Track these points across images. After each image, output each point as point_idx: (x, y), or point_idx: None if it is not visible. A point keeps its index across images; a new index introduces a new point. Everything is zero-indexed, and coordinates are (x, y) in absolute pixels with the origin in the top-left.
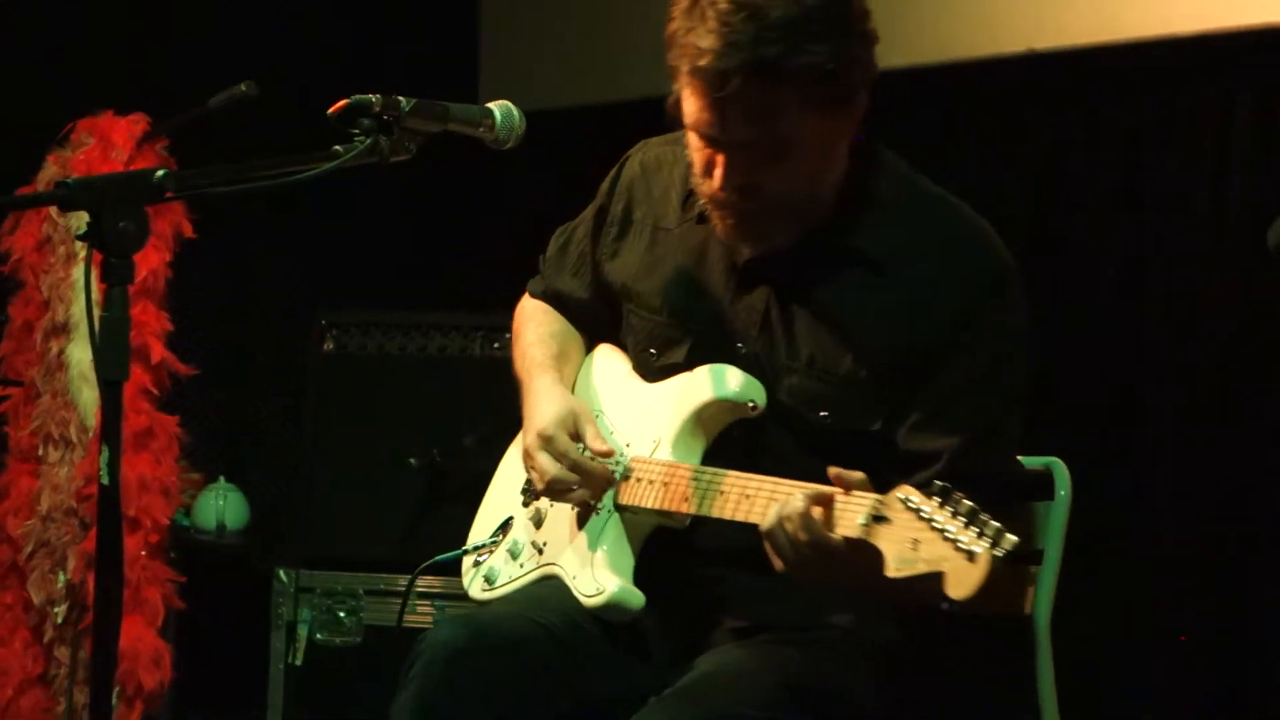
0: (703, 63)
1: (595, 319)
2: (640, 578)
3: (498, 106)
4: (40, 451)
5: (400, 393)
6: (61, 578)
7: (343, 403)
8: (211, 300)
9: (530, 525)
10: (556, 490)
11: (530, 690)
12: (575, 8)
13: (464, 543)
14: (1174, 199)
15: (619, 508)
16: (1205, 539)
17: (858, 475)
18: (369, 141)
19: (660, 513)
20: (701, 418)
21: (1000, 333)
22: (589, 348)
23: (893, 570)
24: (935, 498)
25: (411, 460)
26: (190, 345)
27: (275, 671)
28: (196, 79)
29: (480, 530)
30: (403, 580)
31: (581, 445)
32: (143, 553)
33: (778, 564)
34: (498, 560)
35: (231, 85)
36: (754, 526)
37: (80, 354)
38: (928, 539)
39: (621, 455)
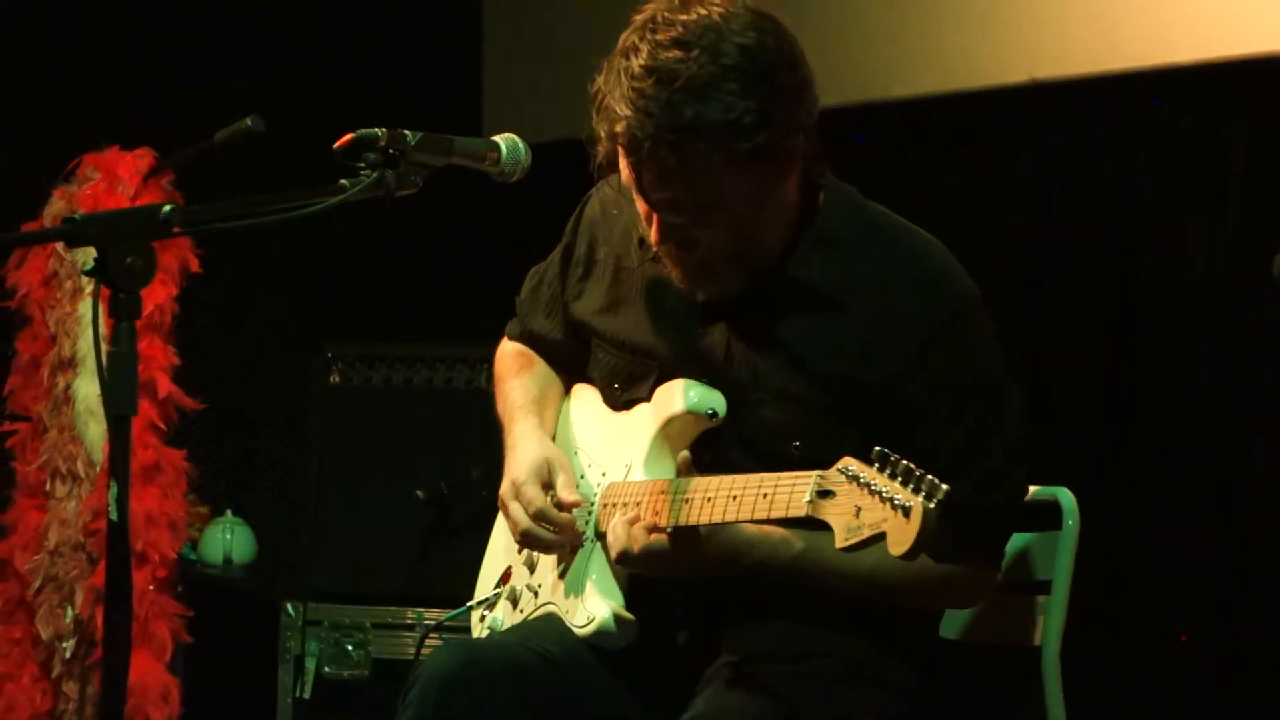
0: (618, 128)
1: (571, 358)
2: (633, 608)
3: (503, 140)
4: (48, 486)
5: (406, 425)
6: (70, 613)
7: (348, 435)
8: (217, 335)
9: (525, 571)
10: (529, 541)
11: (526, 716)
12: (579, 42)
13: (471, 575)
14: (1172, 226)
15: (600, 536)
16: (1212, 563)
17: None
18: (375, 175)
19: None
20: (668, 434)
21: (962, 363)
22: (568, 386)
23: (841, 540)
24: (874, 464)
25: (418, 492)
26: (196, 379)
27: (283, 705)
28: (202, 114)
29: (484, 583)
30: (410, 614)
31: (552, 494)
32: (150, 587)
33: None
34: (501, 611)
35: (237, 120)
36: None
37: (87, 389)
38: (868, 504)
39: (599, 486)
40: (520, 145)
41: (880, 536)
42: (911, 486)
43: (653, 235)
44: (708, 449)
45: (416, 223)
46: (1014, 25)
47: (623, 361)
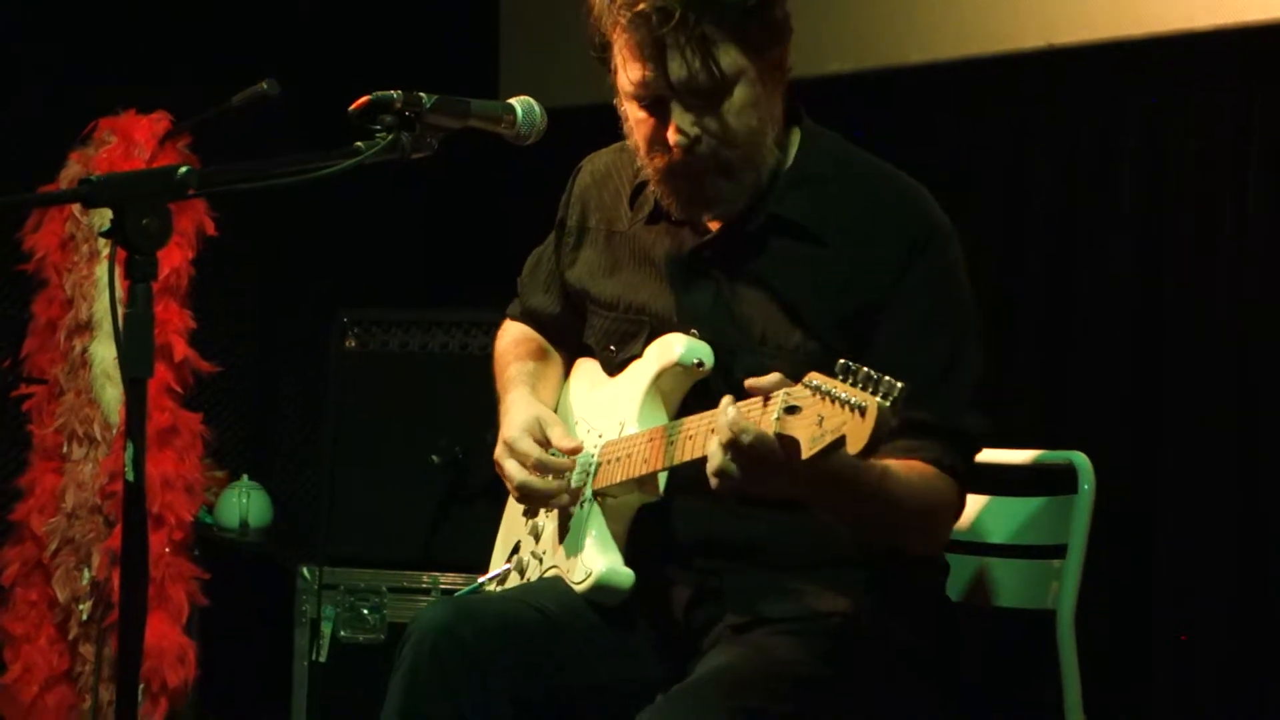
0: (641, 6)
1: (570, 332)
2: (632, 567)
3: (519, 102)
4: (64, 449)
5: (422, 390)
6: (86, 574)
7: (365, 400)
8: (234, 298)
9: (531, 540)
10: (527, 495)
11: (523, 671)
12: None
13: (487, 539)
14: (1193, 193)
15: (597, 495)
16: (1230, 532)
17: (773, 378)
18: (390, 138)
19: (631, 483)
20: (660, 387)
21: (935, 284)
22: (568, 362)
23: (806, 450)
24: (838, 375)
25: (434, 457)
26: (213, 343)
27: (299, 669)
28: (218, 78)
29: (498, 560)
30: (426, 578)
31: (552, 451)
32: (167, 550)
33: (749, 487)
34: (512, 583)
35: (253, 84)
36: (747, 515)
37: (104, 352)
38: (830, 412)
39: (594, 448)
40: (536, 108)
41: (840, 441)
42: (870, 389)
43: (671, 134)
44: (700, 400)
45: (433, 186)
46: None
47: (615, 322)
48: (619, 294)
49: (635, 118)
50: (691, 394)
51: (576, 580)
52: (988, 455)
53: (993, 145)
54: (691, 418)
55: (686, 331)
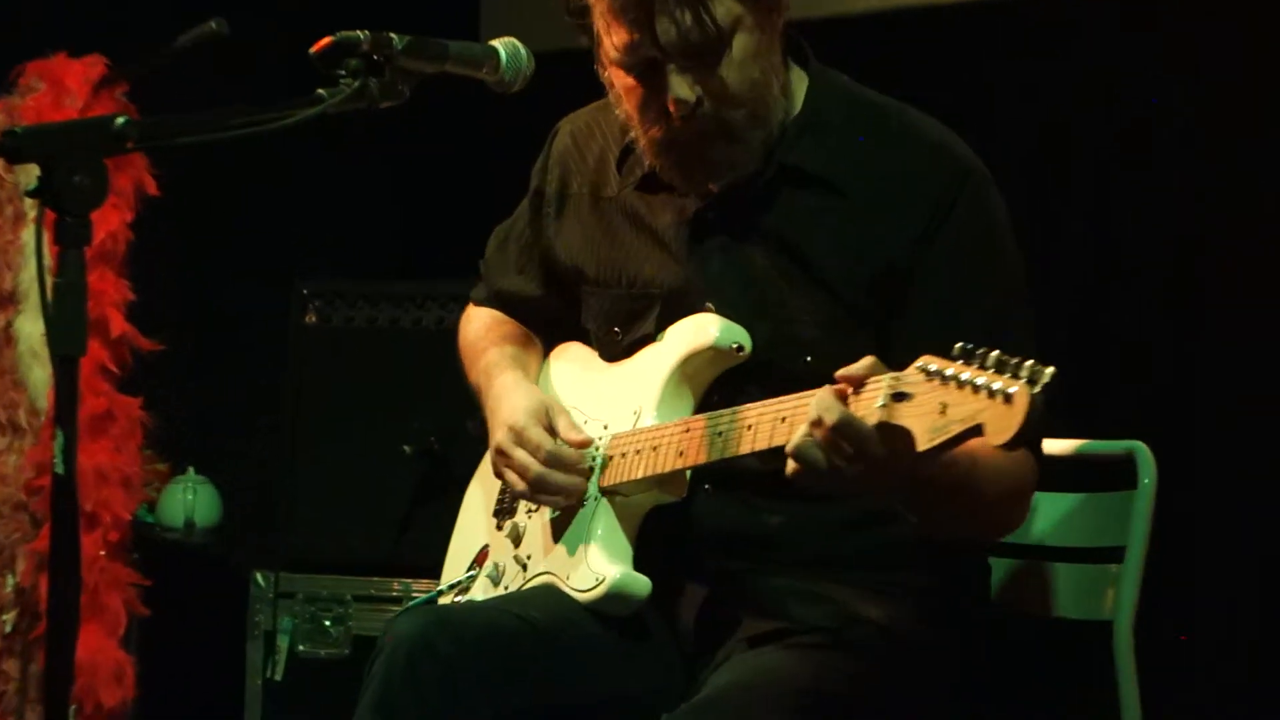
0: None
1: (549, 316)
2: (644, 571)
3: (502, 45)
4: None
5: (392, 371)
6: (10, 581)
7: (327, 383)
8: (179, 266)
9: (509, 544)
10: (540, 489)
11: (507, 686)
12: None
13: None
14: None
15: (605, 492)
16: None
17: (865, 363)
18: (357, 84)
19: (652, 481)
20: (686, 373)
21: (976, 236)
22: (546, 349)
23: (924, 443)
24: (959, 359)
25: (406, 448)
26: (155, 318)
27: (252, 687)
28: (160, 16)
29: (454, 567)
30: (397, 585)
31: (557, 440)
32: (101, 553)
33: (812, 479)
34: (480, 591)
35: (200, 23)
36: (767, 508)
37: (30, 327)
38: (956, 399)
39: (600, 439)
40: (522, 51)
41: (974, 430)
42: (1009, 373)
43: (669, 102)
44: (725, 388)
45: (406, 140)
46: None
47: (619, 300)
48: (619, 268)
49: (624, 85)
50: (716, 382)
51: (582, 588)
52: None
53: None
54: (752, 405)
55: (703, 305)
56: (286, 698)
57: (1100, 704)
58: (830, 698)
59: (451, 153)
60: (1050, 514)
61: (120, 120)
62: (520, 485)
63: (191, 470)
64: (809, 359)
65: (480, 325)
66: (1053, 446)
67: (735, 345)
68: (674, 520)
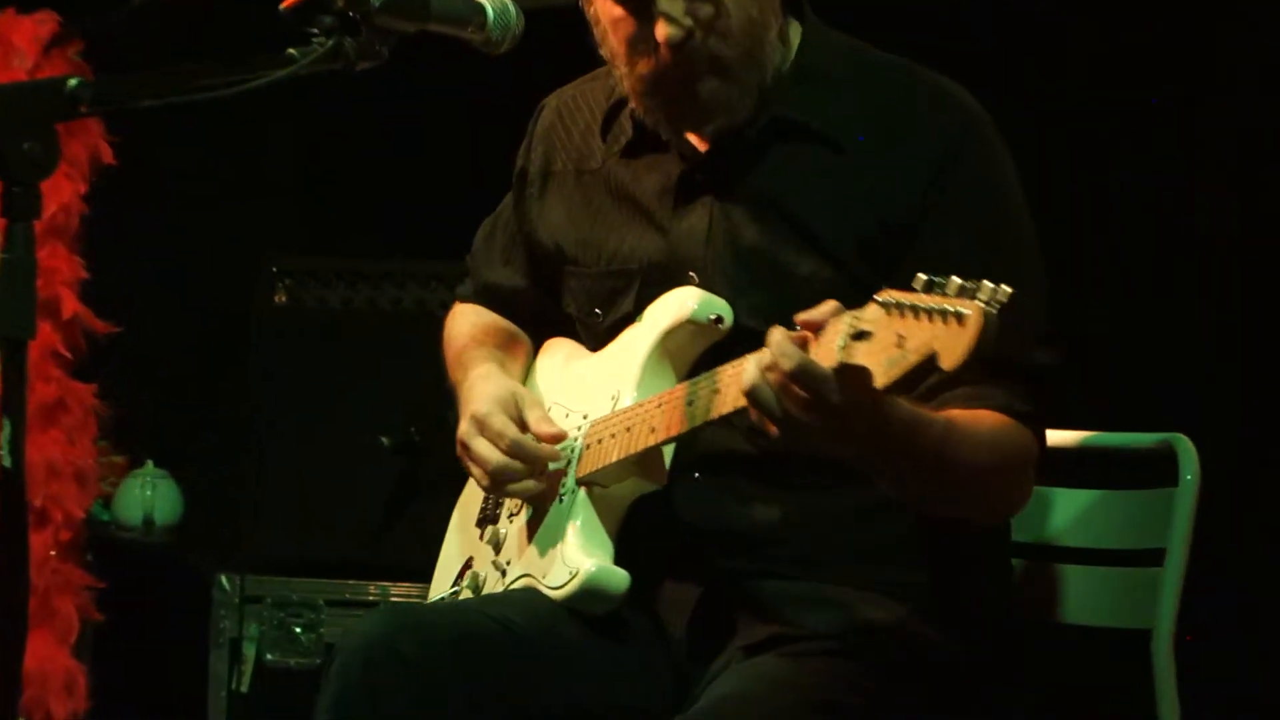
0: None
1: (538, 309)
2: (630, 572)
3: (490, 1)
4: None
5: (369, 356)
6: None
7: (298, 369)
8: (137, 242)
9: (490, 552)
10: (502, 481)
11: (479, 693)
12: None
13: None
14: None
15: (582, 483)
16: None
17: (826, 306)
18: (331, 44)
19: (628, 464)
20: (667, 350)
21: (981, 191)
22: (536, 347)
23: (881, 379)
24: (919, 290)
25: (384, 439)
26: (110, 298)
27: (216, 700)
28: None
29: (439, 585)
30: (374, 588)
31: (528, 434)
32: (52, 553)
33: (770, 430)
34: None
35: None
36: (762, 497)
37: None
38: (913, 329)
39: (578, 431)
40: (511, 8)
41: (929, 361)
42: (967, 296)
43: (659, 29)
44: (704, 361)
45: (385, 104)
46: None
47: (598, 279)
48: (599, 245)
49: (611, 17)
50: (700, 361)
51: (556, 584)
52: (1061, 438)
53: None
54: (724, 367)
55: (685, 277)
56: (253, 711)
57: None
58: (837, 708)
59: (434, 121)
60: (1081, 513)
61: (73, 82)
62: (483, 480)
63: (150, 464)
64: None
65: (464, 323)
66: (1085, 439)
67: (713, 317)
68: (661, 515)
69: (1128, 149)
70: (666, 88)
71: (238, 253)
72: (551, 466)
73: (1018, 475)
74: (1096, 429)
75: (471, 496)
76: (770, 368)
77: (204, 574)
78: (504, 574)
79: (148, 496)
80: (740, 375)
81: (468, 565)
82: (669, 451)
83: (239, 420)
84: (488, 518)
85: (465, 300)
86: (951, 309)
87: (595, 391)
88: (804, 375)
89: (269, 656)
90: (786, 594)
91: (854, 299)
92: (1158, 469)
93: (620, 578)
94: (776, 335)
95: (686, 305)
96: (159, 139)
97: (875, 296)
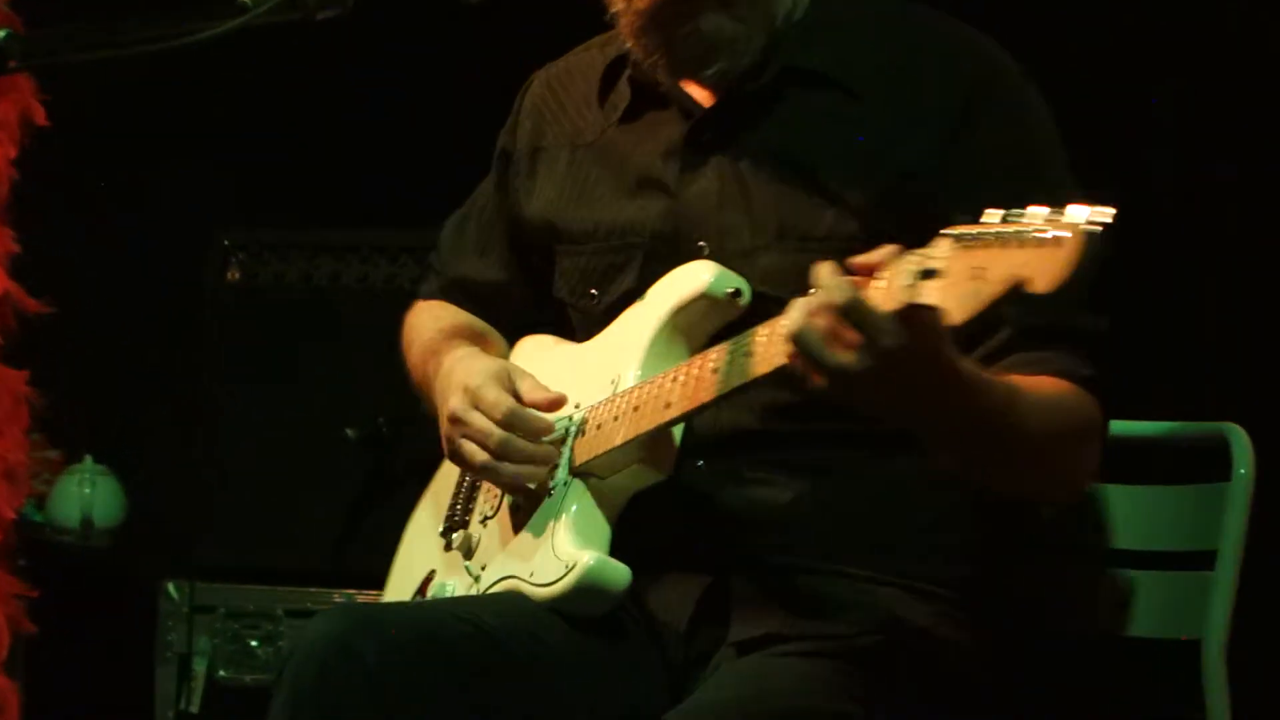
0: None
1: (515, 304)
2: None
3: None
4: None
5: (332, 339)
6: None
7: (253, 353)
8: (73, 212)
9: (459, 560)
10: (500, 457)
11: (447, 701)
12: None
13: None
14: None
15: (577, 473)
16: None
17: (885, 250)
18: None
19: (633, 448)
20: (676, 328)
21: (1015, 137)
22: (511, 343)
23: (959, 315)
24: (995, 222)
25: (348, 431)
26: (45, 275)
27: (163, 719)
28: None
29: (398, 591)
30: (338, 596)
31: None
32: None
33: (816, 381)
34: None
35: None
36: (774, 481)
37: None
38: (995, 257)
39: (570, 420)
40: None
41: (1017, 288)
42: (1057, 218)
43: None
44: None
45: (349, 60)
46: None
47: (595, 255)
48: (596, 220)
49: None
50: (713, 342)
51: (547, 580)
52: None
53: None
54: (753, 330)
55: (694, 246)
56: None
57: None
58: (800, 710)
59: (403, 79)
60: (1124, 511)
61: (1, 35)
62: (479, 457)
63: (89, 459)
64: (813, 290)
65: (429, 318)
66: (1125, 428)
67: (731, 291)
68: (660, 506)
69: (1170, 125)
70: (667, 23)
71: (186, 224)
72: (546, 440)
73: (1086, 445)
74: (1138, 418)
75: (430, 505)
76: (818, 310)
77: (149, 581)
78: (477, 580)
79: (86, 495)
80: (776, 334)
81: (429, 578)
82: (678, 436)
83: (188, 411)
84: (454, 524)
85: (430, 297)
86: (1047, 231)
87: (588, 378)
88: (858, 313)
89: (222, 673)
90: (799, 586)
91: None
92: (1208, 462)
93: (621, 573)
94: (826, 270)
95: (701, 278)
96: (98, 98)
97: (943, 235)
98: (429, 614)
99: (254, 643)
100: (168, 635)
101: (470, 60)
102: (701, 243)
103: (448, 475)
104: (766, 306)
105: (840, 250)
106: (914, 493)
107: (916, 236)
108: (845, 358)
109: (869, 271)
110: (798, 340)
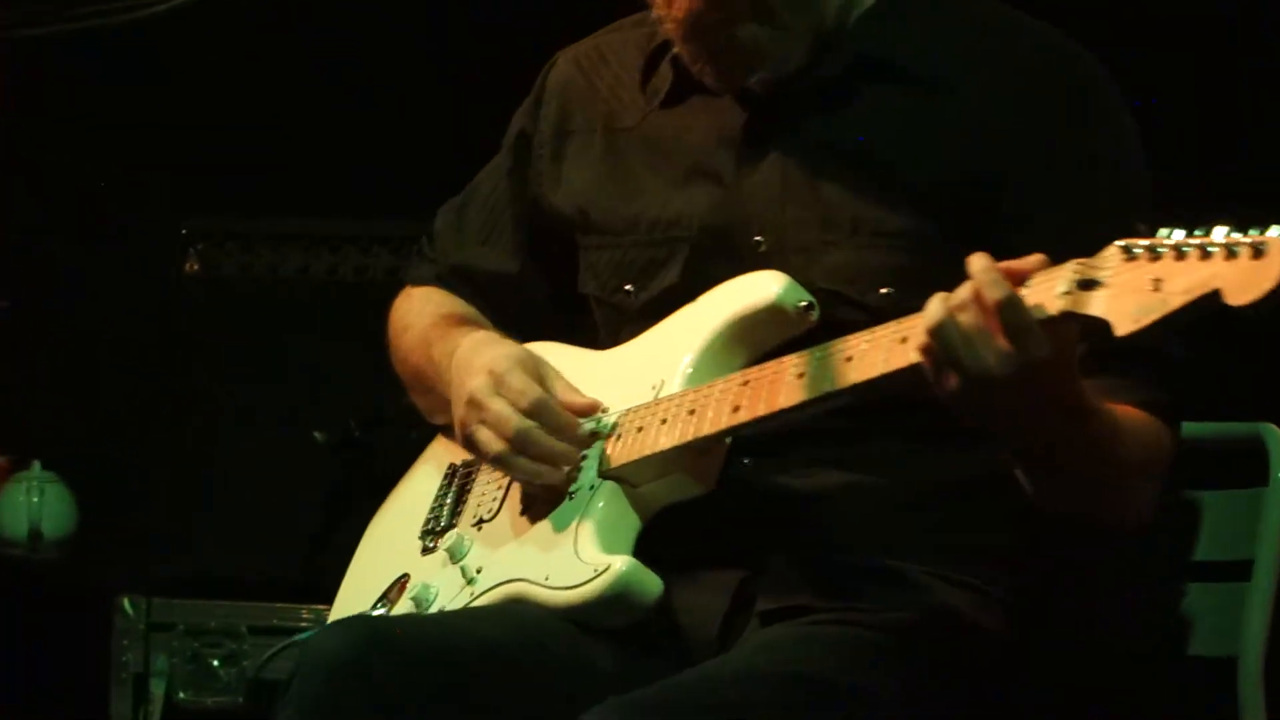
0: None
1: (520, 298)
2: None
3: None
4: None
5: (300, 336)
6: None
7: (215, 351)
8: (23, 203)
9: (444, 561)
10: (519, 449)
11: (462, 712)
12: None
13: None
14: None
15: (607, 475)
16: None
17: (1034, 258)
18: None
19: (678, 456)
20: (735, 337)
21: (1106, 149)
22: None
23: (1130, 324)
24: (1169, 233)
25: (317, 434)
26: None
27: None
28: None
29: (351, 606)
30: (306, 612)
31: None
32: None
33: (947, 384)
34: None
35: None
36: (821, 472)
37: None
38: (1175, 270)
39: (600, 419)
40: None
41: (1205, 300)
42: (1241, 231)
43: None
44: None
45: (319, 39)
46: None
47: (632, 249)
48: (638, 209)
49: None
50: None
51: (569, 583)
52: None
53: None
54: (849, 336)
55: (749, 241)
56: None
57: None
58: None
59: (383, 58)
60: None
61: None
62: (495, 446)
63: (37, 465)
64: (885, 290)
65: (425, 304)
66: None
67: (804, 304)
68: (691, 506)
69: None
70: (704, 33)
71: (145, 213)
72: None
73: (1156, 483)
74: None
75: (398, 509)
76: (965, 304)
77: (103, 597)
78: (472, 582)
79: (34, 504)
80: (880, 342)
81: (402, 581)
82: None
83: (144, 413)
84: (438, 527)
85: (423, 283)
86: (1243, 240)
87: (624, 381)
88: (1014, 311)
89: (181, 695)
90: (835, 567)
91: (946, 257)
92: (1244, 465)
93: (654, 583)
94: (980, 262)
95: (769, 289)
96: (50, 77)
97: (1110, 247)
98: (435, 627)
99: (216, 662)
100: (123, 655)
101: (446, 49)
102: (758, 238)
103: (423, 479)
104: (833, 306)
105: (915, 249)
106: (967, 490)
107: (991, 240)
108: (990, 359)
109: (1018, 278)
110: (938, 334)
